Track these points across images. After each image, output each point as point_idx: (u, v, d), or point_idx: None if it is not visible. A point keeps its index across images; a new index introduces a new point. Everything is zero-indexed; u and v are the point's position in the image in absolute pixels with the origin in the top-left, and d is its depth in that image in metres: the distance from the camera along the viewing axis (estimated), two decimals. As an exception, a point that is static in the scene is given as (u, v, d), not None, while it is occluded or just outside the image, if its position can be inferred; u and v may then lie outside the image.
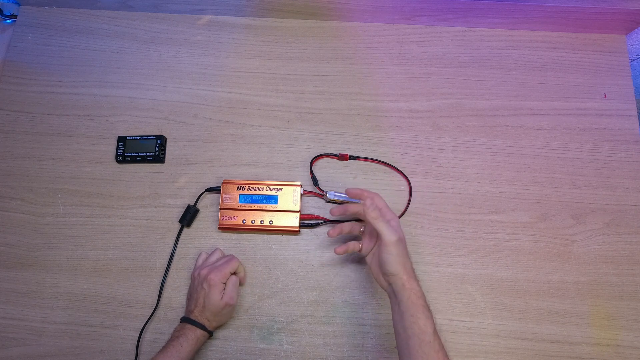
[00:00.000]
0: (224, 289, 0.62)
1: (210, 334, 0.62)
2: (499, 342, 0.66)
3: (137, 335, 0.65)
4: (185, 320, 0.61)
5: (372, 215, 0.56)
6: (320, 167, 0.74)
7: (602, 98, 0.78)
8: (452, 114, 0.77)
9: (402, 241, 0.56)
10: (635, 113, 0.77)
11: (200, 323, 0.61)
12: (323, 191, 0.70)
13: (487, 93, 0.78)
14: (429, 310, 0.53)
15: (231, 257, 0.65)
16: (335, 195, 0.69)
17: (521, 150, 0.75)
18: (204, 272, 0.62)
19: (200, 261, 0.67)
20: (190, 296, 0.64)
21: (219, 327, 0.65)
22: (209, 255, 0.67)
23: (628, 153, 0.75)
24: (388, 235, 0.54)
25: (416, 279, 0.55)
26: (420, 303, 0.52)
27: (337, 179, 0.73)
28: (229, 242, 0.70)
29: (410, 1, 0.76)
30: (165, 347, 0.58)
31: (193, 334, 0.60)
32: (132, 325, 0.66)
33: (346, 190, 0.63)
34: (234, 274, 0.64)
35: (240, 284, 0.67)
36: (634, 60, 0.86)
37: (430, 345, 0.50)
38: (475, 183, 0.73)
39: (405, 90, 0.78)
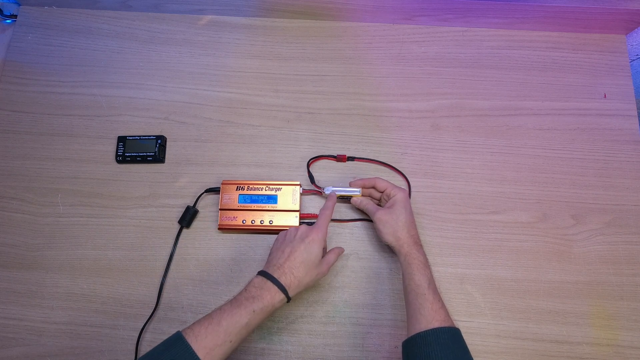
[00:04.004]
0: (323, 253, 0.58)
1: (289, 300, 0.54)
2: (499, 342, 0.66)
3: (137, 335, 0.65)
4: (268, 276, 0.52)
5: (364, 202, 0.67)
6: (319, 168, 0.74)
7: (602, 98, 0.78)
8: (452, 114, 0.77)
9: (388, 216, 0.63)
10: (635, 113, 0.77)
11: (284, 286, 0.52)
12: (320, 188, 0.70)
13: (487, 93, 0.78)
14: (427, 267, 0.59)
15: (321, 212, 0.60)
16: (333, 191, 0.69)
17: (521, 150, 0.75)
18: (304, 228, 0.58)
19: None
20: (280, 249, 0.56)
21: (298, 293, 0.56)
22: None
23: (628, 153, 0.75)
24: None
25: (415, 244, 0.61)
26: (415, 263, 0.58)
27: (336, 179, 0.73)
28: (229, 243, 0.70)
29: (410, 1, 0.75)
30: (237, 305, 0.50)
31: (271, 300, 0.51)
32: (132, 325, 0.66)
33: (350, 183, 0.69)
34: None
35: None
36: (634, 60, 0.86)
37: (425, 297, 0.55)
38: (475, 183, 0.73)
39: (405, 90, 0.78)
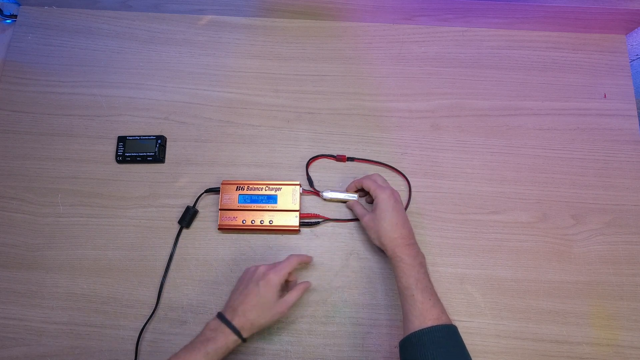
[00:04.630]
0: (281, 294, 0.58)
1: (244, 340, 0.56)
2: (499, 342, 0.66)
3: (137, 335, 0.65)
4: (222, 318, 0.55)
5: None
6: (318, 168, 0.74)
7: (602, 98, 0.78)
8: (452, 114, 0.77)
9: (372, 222, 0.63)
10: (635, 113, 0.77)
11: (237, 328, 0.54)
12: (319, 191, 0.70)
13: (487, 93, 0.78)
14: (413, 267, 0.58)
15: (290, 256, 0.60)
16: (331, 194, 0.69)
17: (521, 150, 0.75)
18: (262, 269, 0.58)
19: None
20: (237, 290, 0.58)
21: (256, 332, 0.57)
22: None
23: (628, 153, 0.75)
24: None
25: (402, 245, 0.60)
26: (399, 266, 0.59)
27: (336, 180, 0.73)
28: (229, 243, 0.70)
29: (410, 1, 0.75)
30: (191, 349, 0.53)
31: (224, 341, 0.53)
32: (132, 325, 0.66)
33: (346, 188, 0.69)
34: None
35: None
36: (634, 60, 0.86)
37: (413, 298, 0.56)
38: (475, 183, 0.73)
39: (405, 90, 0.78)
